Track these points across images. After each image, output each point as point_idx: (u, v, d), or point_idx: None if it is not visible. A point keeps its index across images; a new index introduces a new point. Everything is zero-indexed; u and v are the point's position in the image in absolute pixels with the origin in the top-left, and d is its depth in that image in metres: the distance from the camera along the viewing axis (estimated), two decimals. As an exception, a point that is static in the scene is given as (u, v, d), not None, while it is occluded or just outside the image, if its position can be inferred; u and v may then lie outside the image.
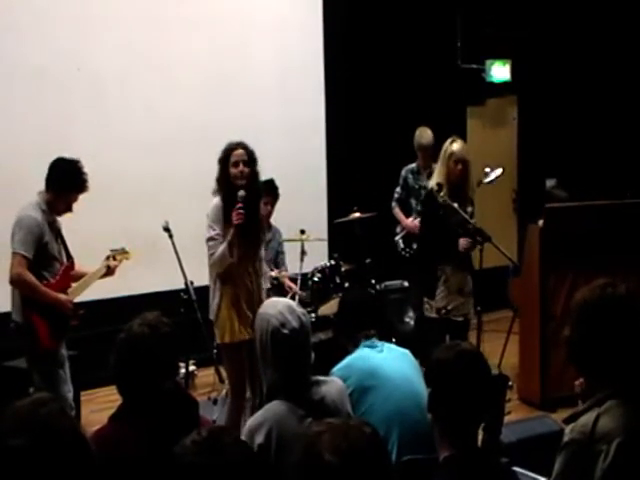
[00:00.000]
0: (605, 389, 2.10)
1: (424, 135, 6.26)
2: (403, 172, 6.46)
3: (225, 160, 4.18)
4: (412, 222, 6.13)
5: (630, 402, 2.08)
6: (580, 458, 2.04)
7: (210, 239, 4.15)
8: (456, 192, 4.95)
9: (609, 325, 2.11)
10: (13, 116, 5.72)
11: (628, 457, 2.00)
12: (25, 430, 1.54)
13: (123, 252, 4.54)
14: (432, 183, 5.06)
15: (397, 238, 6.44)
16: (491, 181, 5.64)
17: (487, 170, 5.47)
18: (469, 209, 5.08)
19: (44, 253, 4.13)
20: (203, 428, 1.62)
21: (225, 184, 4.18)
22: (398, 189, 6.47)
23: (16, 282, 4.09)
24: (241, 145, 4.22)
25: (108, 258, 4.44)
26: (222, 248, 4.13)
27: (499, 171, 5.60)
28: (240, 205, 4.11)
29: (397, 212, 6.44)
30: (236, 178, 4.17)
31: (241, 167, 4.18)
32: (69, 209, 4.26)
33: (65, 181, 4.17)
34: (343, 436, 1.55)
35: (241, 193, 4.13)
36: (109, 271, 4.43)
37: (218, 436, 1.59)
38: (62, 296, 4.19)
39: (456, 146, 4.99)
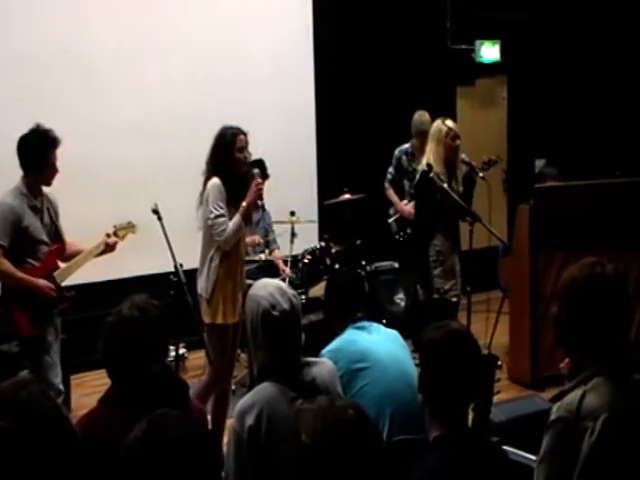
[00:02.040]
0: (591, 367, 2.11)
1: (423, 119, 6.15)
2: (397, 152, 6.40)
3: (231, 145, 4.19)
4: (407, 206, 6.08)
5: (615, 379, 2.10)
6: (567, 436, 2.05)
7: (220, 216, 4.13)
8: (451, 169, 4.99)
9: (597, 304, 2.12)
10: (0, 101, 5.65)
11: (613, 433, 2.02)
12: (5, 412, 1.54)
13: (128, 226, 4.46)
14: (424, 164, 5.06)
15: (390, 220, 6.41)
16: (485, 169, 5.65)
17: (485, 159, 5.43)
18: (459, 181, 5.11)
19: (25, 238, 4.07)
20: (142, 420, 1.62)
21: (231, 168, 4.19)
22: (391, 169, 6.42)
23: None
24: (242, 131, 4.26)
25: (109, 235, 4.37)
26: (236, 220, 4.14)
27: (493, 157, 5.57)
28: (258, 182, 4.24)
29: (391, 194, 6.40)
30: (242, 164, 4.23)
31: (244, 153, 4.23)
32: (55, 170, 4.15)
33: (38, 149, 4.09)
34: (321, 418, 1.55)
35: (256, 171, 4.30)
36: (107, 248, 4.35)
37: (161, 424, 1.59)
38: (41, 281, 4.10)
39: (450, 122, 5.05)
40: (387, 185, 6.43)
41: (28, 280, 4.08)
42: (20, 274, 4.06)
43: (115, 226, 4.44)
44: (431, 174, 4.91)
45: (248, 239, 5.74)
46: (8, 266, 4.03)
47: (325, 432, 1.54)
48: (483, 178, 5.12)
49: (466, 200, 5.05)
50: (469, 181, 5.09)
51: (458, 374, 2.15)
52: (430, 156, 5.08)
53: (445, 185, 4.94)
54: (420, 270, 5.21)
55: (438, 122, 5.12)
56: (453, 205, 5.00)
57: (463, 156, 5.04)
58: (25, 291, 4.07)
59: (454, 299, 5.08)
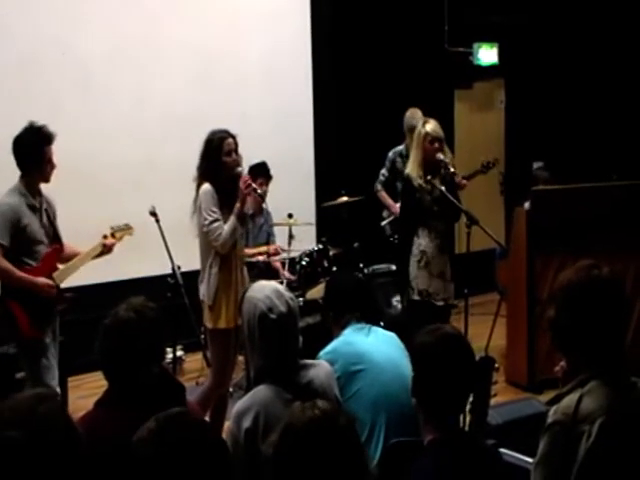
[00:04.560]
0: (588, 370, 2.11)
1: (415, 116, 6.14)
2: (391, 154, 6.38)
3: (219, 149, 4.18)
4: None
5: (612, 383, 2.10)
6: (563, 439, 2.05)
7: (214, 221, 4.13)
8: (433, 170, 4.97)
9: (594, 307, 2.12)
10: (-3, 102, 5.67)
11: (610, 437, 2.02)
12: (21, 424, 1.55)
13: (125, 228, 4.47)
14: (409, 168, 5.06)
15: (384, 223, 6.38)
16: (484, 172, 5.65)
17: (484, 162, 5.39)
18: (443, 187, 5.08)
19: (23, 237, 4.06)
20: (159, 415, 1.63)
21: (219, 172, 4.18)
22: (384, 171, 6.37)
23: None
24: (230, 133, 4.24)
25: (105, 237, 4.38)
26: (231, 222, 4.14)
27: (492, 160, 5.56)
28: (245, 178, 4.23)
29: (383, 196, 6.35)
30: (232, 167, 4.22)
31: (233, 156, 4.22)
32: (52, 165, 4.15)
33: (33, 146, 4.09)
34: (279, 429, 1.66)
35: (240, 169, 4.28)
36: (105, 250, 4.35)
37: (177, 422, 1.61)
38: (40, 280, 4.10)
39: (429, 126, 4.99)
40: (379, 187, 6.36)
41: (27, 279, 4.07)
42: (20, 273, 4.05)
43: (112, 227, 4.44)
44: (408, 175, 4.96)
45: (263, 248, 5.77)
46: (8, 265, 4.02)
47: (279, 441, 1.64)
48: (454, 173, 5.07)
49: (450, 199, 4.98)
50: (447, 180, 5.05)
51: (451, 378, 2.14)
52: (410, 159, 5.12)
53: (421, 182, 4.93)
54: (403, 270, 5.21)
55: (419, 124, 5.11)
56: (435, 204, 4.98)
57: (438, 155, 5.00)
58: (25, 291, 4.06)
59: (440, 303, 5.00)
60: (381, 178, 6.37)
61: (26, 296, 4.07)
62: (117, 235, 4.43)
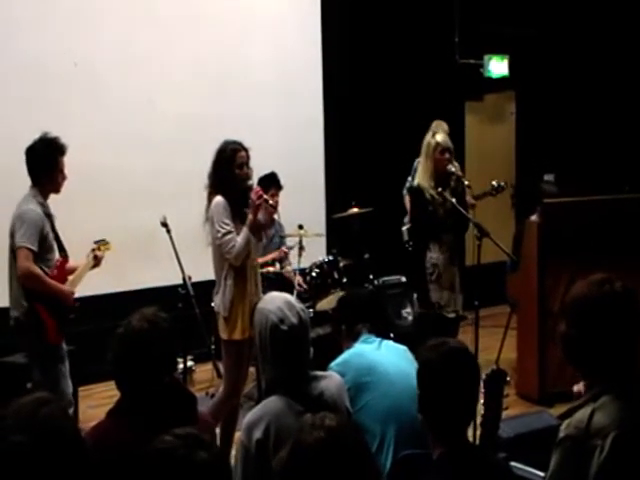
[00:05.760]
0: (600, 384, 2.10)
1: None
2: (416, 163, 6.43)
3: (231, 161, 4.19)
4: None
5: (624, 397, 2.09)
6: (575, 454, 2.04)
7: (227, 233, 4.13)
8: (444, 181, 4.96)
9: (606, 322, 2.11)
10: (10, 112, 5.69)
11: (623, 452, 2.00)
12: (24, 428, 1.55)
13: (104, 243, 4.52)
14: (417, 180, 5.07)
15: (404, 228, 6.42)
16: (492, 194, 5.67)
17: (494, 184, 5.41)
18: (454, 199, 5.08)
19: (44, 245, 4.09)
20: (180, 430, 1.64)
21: (232, 184, 4.19)
22: (410, 178, 6.46)
23: (26, 276, 4.00)
24: (242, 146, 4.24)
25: (94, 250, 4.42)
26: (244, 234, 4.14)
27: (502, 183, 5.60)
28: (257, 189, 4.22)
29: (407, 201, 6.41)
30: (243, 180, 4.23)
31: (245, 169, 4.23)
32: (64, 177, 4.20)
33: (46, 157, 4.13)
34: (288, 446, 1.65)
35: (251, 182, 4.28)
36: (96, 261, 4.40)
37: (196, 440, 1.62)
38: (66, 288, 4.16)
39: (440, 137, 5.01)
40: (405, 192, 6.45)
41: (56, 286, 4.11)
42: (50, 280, 4.08)
43: (95, 242, 4.47)
44: (419, 186, 4.96)
45: (272, 255, 5.78)
46: (40, 271, 4.04)
47: (288, 457, 1.64)
48: (469, 186, 5.07)
49: (460, 210, 4.97)
50: (457, 191, 5.05)
51: (456, 394, 2.12)
52: (420, 170, 5.11)
53: (434, 193, 4.92)
54: (417, 283, 5.21)
55: (428, 136, 5.11)
56: (448, 217, 4.98)
57: (449, 167, 5.00)
58: (51, 298, 4.08)
59: (451, 315, 5.01)
60: (407, 184, 6.45)
61: (51, 303, 4.09)
62: (102, 248, 4.46)
